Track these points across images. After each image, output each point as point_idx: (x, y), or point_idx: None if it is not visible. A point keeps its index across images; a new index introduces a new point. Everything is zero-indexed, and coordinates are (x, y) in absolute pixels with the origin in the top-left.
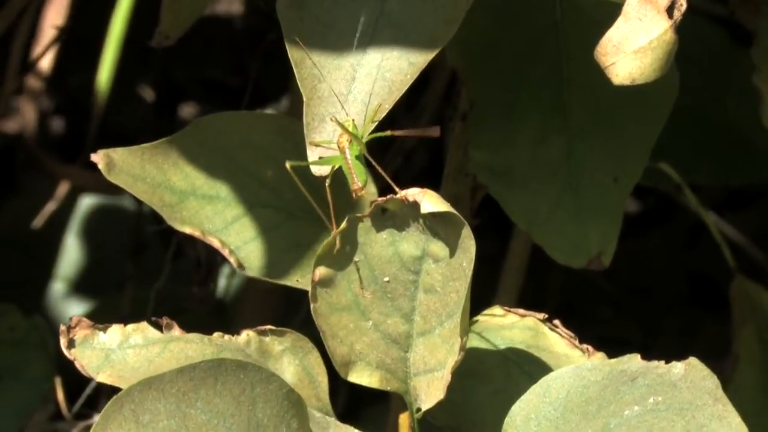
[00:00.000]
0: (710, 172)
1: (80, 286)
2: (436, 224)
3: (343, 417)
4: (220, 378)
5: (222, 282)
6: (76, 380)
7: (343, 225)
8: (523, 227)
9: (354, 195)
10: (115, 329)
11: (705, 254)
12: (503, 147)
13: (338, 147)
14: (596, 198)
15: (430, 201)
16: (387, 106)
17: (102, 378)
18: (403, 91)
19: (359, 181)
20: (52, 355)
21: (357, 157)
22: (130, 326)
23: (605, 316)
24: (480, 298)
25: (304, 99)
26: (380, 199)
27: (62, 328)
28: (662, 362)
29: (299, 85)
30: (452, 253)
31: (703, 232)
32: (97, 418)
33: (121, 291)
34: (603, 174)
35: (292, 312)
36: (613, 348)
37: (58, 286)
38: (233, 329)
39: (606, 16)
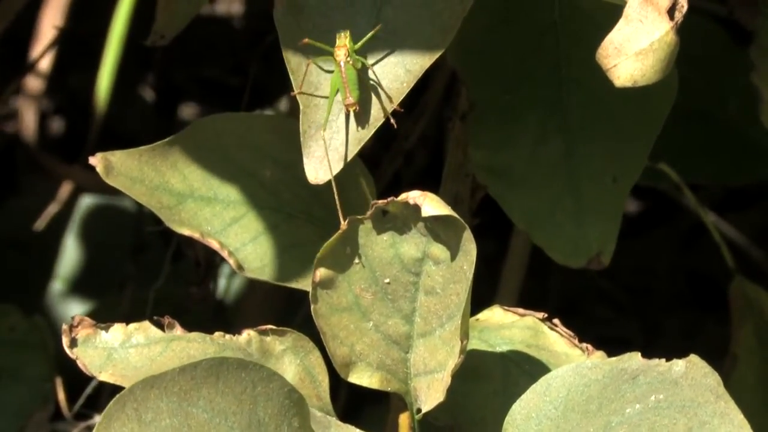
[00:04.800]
0: (710, 172)
1: (80, 286)
2: (437, 227)
3: (344, 416)
4: (221, 377)
5: (222, 282)
6: (76, 380)
7: (344, 226)
8: (522, 227)
9: (346, 109)
10: (117, 328)
11: (705, 254)
12: (503, 147)
13: (334, 59)
14: (595, 198)
15: (431, 204)
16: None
17: (104, 377)
18: (400, 99)
19: (352, 96)
20: (52, 355)
21: (352, 73)
22: (132, 325)
23: (605, 316)
24: (480, 297)
25: (301, 107)
26: (380, 201)
27: (64, 327)
28: (663, 360)
29: (295, 92)
30: (453, 256)
31: (703, 232)
32: (97, 418)
33: (121, 291)
34: (602, 174)
35: (292, 311)
36: (613, 348)
37: (57, 286)
38: (234, 329)
39: (605, 17)
